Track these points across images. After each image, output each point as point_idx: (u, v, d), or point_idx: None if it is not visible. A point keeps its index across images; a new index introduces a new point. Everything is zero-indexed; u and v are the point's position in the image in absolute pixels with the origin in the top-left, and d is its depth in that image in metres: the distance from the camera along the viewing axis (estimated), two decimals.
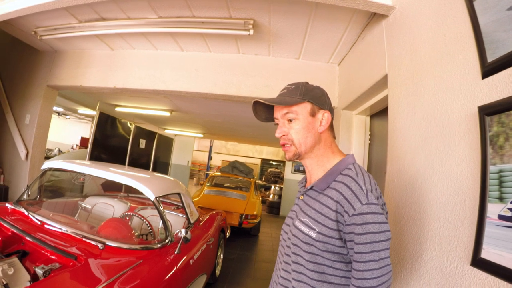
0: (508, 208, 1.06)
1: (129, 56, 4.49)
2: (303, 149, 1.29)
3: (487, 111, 1.20)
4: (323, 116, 1.31)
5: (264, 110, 1.40)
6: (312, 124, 1.29)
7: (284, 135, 1.30)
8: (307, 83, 1.34)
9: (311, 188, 1.31)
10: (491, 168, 1.15)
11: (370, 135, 3.46)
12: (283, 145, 1.32)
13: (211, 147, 22.00)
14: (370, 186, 1.16)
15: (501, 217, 1.09)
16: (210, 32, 3.29)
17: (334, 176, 1.24)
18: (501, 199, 1.10)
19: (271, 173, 18.02)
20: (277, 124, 1.36)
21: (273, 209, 12.97)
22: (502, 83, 1.17)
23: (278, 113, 1.32)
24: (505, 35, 1.18)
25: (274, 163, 21.69)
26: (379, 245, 1.07)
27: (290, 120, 1.29)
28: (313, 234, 1.18)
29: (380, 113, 3.13)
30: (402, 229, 1.80)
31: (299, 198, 1.40)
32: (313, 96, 1.29)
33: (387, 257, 1.08)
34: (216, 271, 4.64)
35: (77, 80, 4.72)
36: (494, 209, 1.12)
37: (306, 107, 1.28)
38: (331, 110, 1.34)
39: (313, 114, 1.29)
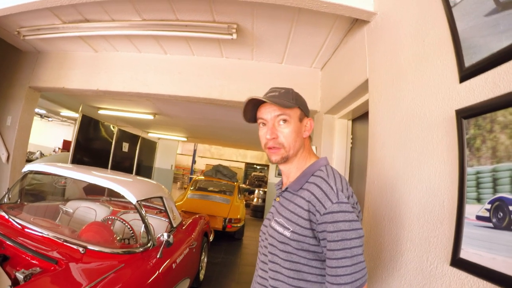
0: (486, 209, 1.09)
1: (112, 58, 4.45)
2: (291, 152, 1.31)
3: (464, 114, 1.23)
4: (308, 123, 1.36)
5: (251, 109, 1.39)
6: (300, 129, 1.33)
7: (274, 138, 1.30)
8: (293, 89, 1.38)
9: (286, 189, 1.34)
10: (469, 170, 1.18)
11: (352, 138, 3.50)
12: (271, 148, 1.32)
13: (195, 151, 21.93)
14: (340, 185, 1.19)
15: (478, 218, 1.12)
16: (193, 35, 3.28)
17: (307, 178, 1.28)
18: (478, 200, 1.13)
19: (255, 177, 18.06)
20: (260, 124, 1.36)
21: (257, 212, 12.98)
22: (479, 87, 1.20)
23: (268, 114, 1.31)
24: (483, 40, 1.22)
25: (258, 167, 21.73)
26: (350, 242, 1.09)
27: (279, 123, 1.30)
28: (287, 233, 1.21)
29: (362, 117, 3.17)
30: (383, 230, 1.82)
31: (275, 200, 1.43)
32: (301, 103, 1.35)
33: (360, 254, 1.10)
34: (200, 275, 4.61)
35: (60, 82, 4.65)
36: (472, 210, 1.16)
37: (296, 112, 1.32)
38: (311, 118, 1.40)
39: (301, 120, 1.34)
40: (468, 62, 1.27)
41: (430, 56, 1.56)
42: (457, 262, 1.20)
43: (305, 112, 1.35)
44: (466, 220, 1.18)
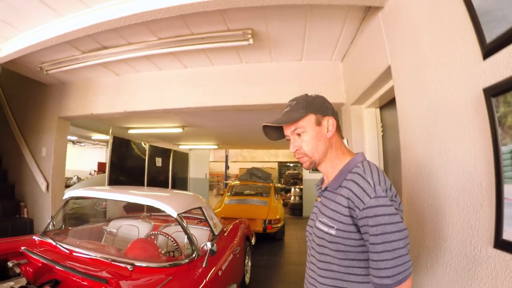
0: None
1: (134, 80, 4.58)
2: (317, 157, 1.36)
3: (492, 92, 1.20)
4: (328, 122, 1.36)
5: (274, 130, 1.47)
6: (320, 133, 1.35)
7: (297, 149, 1.38)
8: (306, 95, 1.40)
9: (326, 189, 1.38)
10: (503, 149, 1.15)
11: (382, 126, 3.44)
12: (299, 158, 1.41)
13: (226, 156, 22.07)
14: (378, 179, 1.20)
15: None
16: (210, 46, 3.34)
17: (344, 175, 1.30)
18: None
19: (289, 175, 17.99)
20: (289, 139, 1.43)
21: (296, 210, 12.91)
22: (504, 62, 1.16)
23: (288, 131, 1.39)
24: (500, 13, 1.18)
25: (291, 164, 21.66)
26: (390, 236, 1.11)
27: (299, 134, 1.36)
28: (333, 231, 1.24)
29: (389, 103, 3.11)
30: (423, 217, 1.79)
31: (317, 200, 1.46)
32: (314, 106, 1.36)
33: (402, 247, 1.11)
34: (246, 279, 4.64)
35: (87, 109, 4.83)
36: (510, 189, 1.12)
37: (310, 119, 1.35)
38: (334, 114, 1.39)
39: (318, 124, 1.35)
40: (489, 37, 1.23)
41: (449, 35, 1.52)
42: (501, 243, 1.17)
43: (322, 113, 1.36)
44: (506, 201, 1.14)
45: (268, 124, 1.40)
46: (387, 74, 2.47)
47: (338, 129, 1.41)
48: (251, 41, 3.18)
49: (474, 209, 1.35)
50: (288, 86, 3.99)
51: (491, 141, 1.21)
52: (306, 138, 1.35)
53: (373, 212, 1.13)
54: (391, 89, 2.48)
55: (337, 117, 1.40)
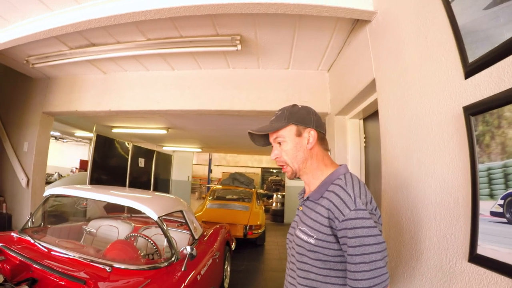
0: (499, 205, 1.09)
1: (121, 79, 4.54)
2: (296, 166, 1.40)
3: (472, 111, 1.23)
4: (309, 134, 1.40)
5: (261, 136, 1.51)
6: (300, 143, 1.39)
7: (277, 158, 1.43)
8: (293, 106, 1.44)
9: (308, 198, 1.40)
10: (480, 167, 1.18)
11: (365, 137, 3.49)
12: (282, 167, 1.45)
13: (210, 160, 21.98)
14: (359, 192, 1.23)
15: (493, 214, 1.12)
16: (199, 50, 3.34)
17: (326, 186, 1.33)
18: (491, 196, 1.13)
19: (272, 182, 18.01)
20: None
21: (277, 217, 12.93)
22: (484, 82, 1.20)
23: (271, 138, 1.46)
24: (484, 34, 1.22)
25: (274, 171, 21.69)
26: (368, 248, 1.13)
27: (280, 143, 1.41)
28: (312, 240, 1.26)
29: (373, 115, 3.16)
30: (401, 229, 1.83)
31: (298, 209, 1.49)
32: (297, 118, 1.39)
33: (379, 259, 1.13)
34: (225, 284, 4.63)
35: (72, 105, 4.76)
36: (486, 206, 1.16)
37: (291, 129, 1.39)
38: (318, 126, 1.42)
39: (299, 134, 1.39)
40: (472, 57, 1.27)
41: (434, 53, 1.56)
42: (475, 258, 1.20)
43: (304, 125, 1.39)
44: (481, 217, 1.18)
45: (252, 132, 1.45)
46: (371, 86, 2.51)
47: (322, 141, 1.44)
48: (239, 47, 3.20)
49: (451, 223, 1.38)
50: (274, 94, 4.02)
51: (469, 158, 1.24)
52: (285, 148, 1.39)
53: (352, 224, 1.15)
54: (375, 102, 2.53)
55: (322, 129, 1.44)
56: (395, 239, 1.89)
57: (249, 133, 1.48)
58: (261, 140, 1.52)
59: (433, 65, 1.56)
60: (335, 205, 1.21)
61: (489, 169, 1.14)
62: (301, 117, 1.40)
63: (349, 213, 1.17)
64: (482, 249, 1.17)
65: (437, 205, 1.49)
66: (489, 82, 1.18)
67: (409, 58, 1.82)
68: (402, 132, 1.89)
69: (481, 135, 1.18)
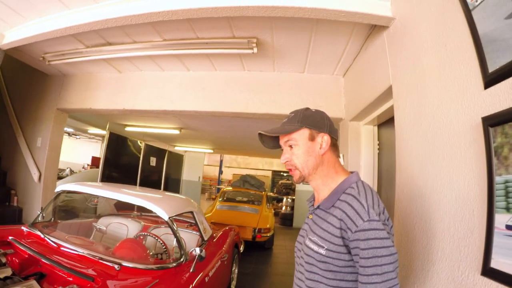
0: None
1: (136, 78, 4.58)
2: (306, 172, 1.37)
3: (491, 122, 1.21)
4: (322, 139, 1.37)
5: (271, 138, 1.49)
6: (312, 148, 1.36)
7: (287, 161, 1.39)
8: (306, 109, 1.41)
9: (318, 207, 1.37)
10: (497, 179, 1.16)
11: (379, 144, 3.45)
12: (289, 170, 1.42)
13: (221, 161, 22.07)
14: (372, 202, 1.21)
15: (508, 227, 1.10)
16: (214, 52, 3.36)
17: (338, 195, 1.30)
18: (507, 209, 1.11)
19: (282, 185, 17.94)
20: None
21: (286, 221, 12.89)
22: (504, 93, 1.18)
23: (282, 141, 1.42)
24: (505, 44, 1.19)
25: (285, 174, 21.62)
26: (381, 259, 1.11)
27: (291, 146, 1.38)
28: (322, 251, 1.24)
29: (387, 122, 3.13)
30: (414, 239, 1.80)
31: (308, 217, 1.46)
32: (311, 122, 1.36)
33: (391, 271, 1.11)
34: (232, 286, 4.63)
35: (87, 103, 4.82)
36: (501, 219, 1.13)
37: (304, 133, 1.36)
38: (332, 132, 1.39)
39: (312, 139, 1.36)
40: (492, 67, 1.25)
41: (453, 61, 1.54)
42: (488, 271, 1.18)
43: (317, 129, 1.37)
44: (496, 230, 1.15)
45: (262, 132, 1.41)
46: (387, 93, 2.48)
47: (334, 147, 1.41)
48: (255, 50, 3.20)
49: (465, 235, 1.35)
50: (289, 97, 4.01)
51: (486, 170, 1.22)
52: (297, 152, 1.36)
53: (365, 236, 1.13)
54: (391, 108, 2.50)
55: (335, 135, 1.41)
56: (407, 249, 1.86)
57: (259, 134, 1.44)
58: (270, 142, 1.50)
59: (452, 74, 1.53)
60: (348, 216, 1.19)
61: (507, 181, 1.11)
62: (315, 121, 1.37)
63: (362, 224, 1.15)
64: (496, 263, 1.14)
65: (451, 216, 1.46)
66: (509, 93, 1.15)
67: (427, 65, 1.80)
68: (418, 140, 1.86)
69: (500, 146, 1.16)
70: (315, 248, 1.27)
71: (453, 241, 1.44)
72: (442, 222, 1.53)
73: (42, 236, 2.82)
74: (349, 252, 1.19)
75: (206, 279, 3.07)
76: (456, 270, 1.39)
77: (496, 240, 1.15)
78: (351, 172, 1.39)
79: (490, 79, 1.25)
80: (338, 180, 1.36)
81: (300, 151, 1.35)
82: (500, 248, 1.13)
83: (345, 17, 2.45)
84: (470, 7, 1.38)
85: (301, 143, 1.35)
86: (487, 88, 1.27)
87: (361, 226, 1.15)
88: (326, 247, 1.23)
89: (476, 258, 1.27)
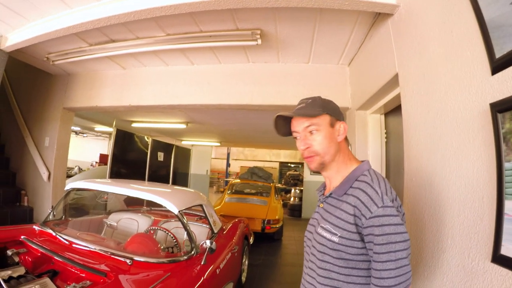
0: None
1: (141, 74, 4.59)
2: (327, 158, 1.34)
3: (499, 108, 1.20)
4: (340, 126, 1.37)
5: (283, 124, 1.45)
6: (333, 134, 1.35)
7: (308, 147, 1.35)
8: (320, 97, 1.40)
9: (330, 195, 1.37)
10: (506, 165, 1.15)
11: (386, 133, 3.44)
12: (307, 157, 1.37)
13: (228, 154, 22.10)
14: (385, 189, 1.21)
15: None
16: (218, 45, 3.35)
17: (351, 183, 1.30)
18: None
19: (290, 176, 17.98)
20: (296, 138, 1.41)
21: (295, 211, 12.91)
22: None
23: (299, 127, 1.37)
24: (511, 29, 1.18)
25: (292, 165, 21.64)
26: (395, 246, 1.11)
27: (311, 132, 1.34)
28: (335, 238, 1.24)
29: (394, 110, 3.11)
30: (423, 227, 1.80)
31: (319, 206, 1.45)
32: (330, 108, 1.37)
33: (404, 257, 1.12)
34: (242, 277, 4.66)
35: (92, 101, 4.85)
36: (511, 205, 1.13)
37: (325, 118, 1.34)
38: (345, 121, 1.40)
39: (332, 125, 1.35)
40: (499, 52, 1.23)
41: (459, 48, 1.52)
42: (498, 258, 1.18)
43: (336, 117, 1.37)
44: (506, 216, 1.15)
45: (283, 114, 1.39)
46: (394, 81, 2.46)
47: (347, 136, 1.42)
48: (259, 41, 3.19)
49: (474, 222, 1.35)
50: (294, 88, 3.99)
51: (495, 156, 1.21)
52: (318, 138, 1.33)
53: (380, 222, 1.14)
54: (397, 96, 2.49)
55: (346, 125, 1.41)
56: (417, 237, 1.86)
57: (277, 116, 1.41)
58: (284, 128, 1.46)
59: (459, 60, 1.52)
60: (362, 202, 1.19)
61: None
62: (334, 108, 1.38)
63: (377, 210, 1.15)
64: (506, 250, 1.14)
65: (461, 203, 1.46)
66: None
67: (434, 52, 1.78)
68: (426, 128, 1.85)
69: (508, 132, 1.15)
70: (328, 235, 1.27)
71: (463, 229, 1.43)
72: (452, 210, 1.53)
73: (53, 234, 2.85)
74: (362, 240, 1.20)
75: (217, 271, 3.10)
76: (466, 258, 1.39)
77: (506, 227, 1.15)
78: (362, 161, 1.39)
79: (498, 65, 1.24)
80: (350, 168, 1.36)
81: (321, 137, 1.33)
82: (510, 235, 1.13)
83: (349, 6, 2.42)
84: None
85: (322, 129, 1.33)
86: (495, 74, 1.26)
87: (375, 212, 1.15)
88: (339, 235, 1.23)
89: (486, 245, 1.27)
